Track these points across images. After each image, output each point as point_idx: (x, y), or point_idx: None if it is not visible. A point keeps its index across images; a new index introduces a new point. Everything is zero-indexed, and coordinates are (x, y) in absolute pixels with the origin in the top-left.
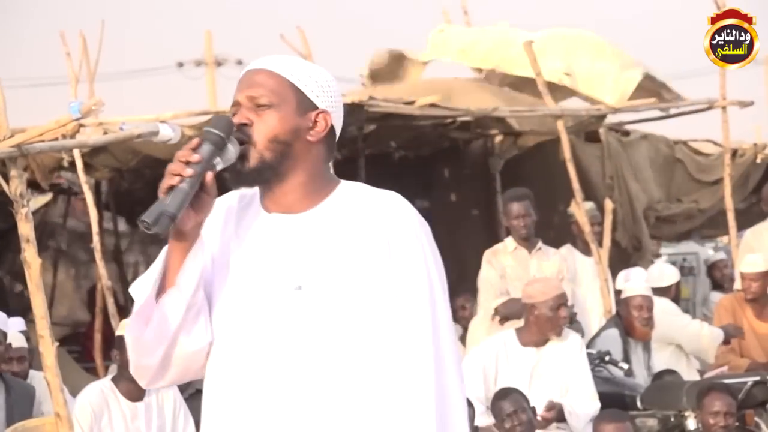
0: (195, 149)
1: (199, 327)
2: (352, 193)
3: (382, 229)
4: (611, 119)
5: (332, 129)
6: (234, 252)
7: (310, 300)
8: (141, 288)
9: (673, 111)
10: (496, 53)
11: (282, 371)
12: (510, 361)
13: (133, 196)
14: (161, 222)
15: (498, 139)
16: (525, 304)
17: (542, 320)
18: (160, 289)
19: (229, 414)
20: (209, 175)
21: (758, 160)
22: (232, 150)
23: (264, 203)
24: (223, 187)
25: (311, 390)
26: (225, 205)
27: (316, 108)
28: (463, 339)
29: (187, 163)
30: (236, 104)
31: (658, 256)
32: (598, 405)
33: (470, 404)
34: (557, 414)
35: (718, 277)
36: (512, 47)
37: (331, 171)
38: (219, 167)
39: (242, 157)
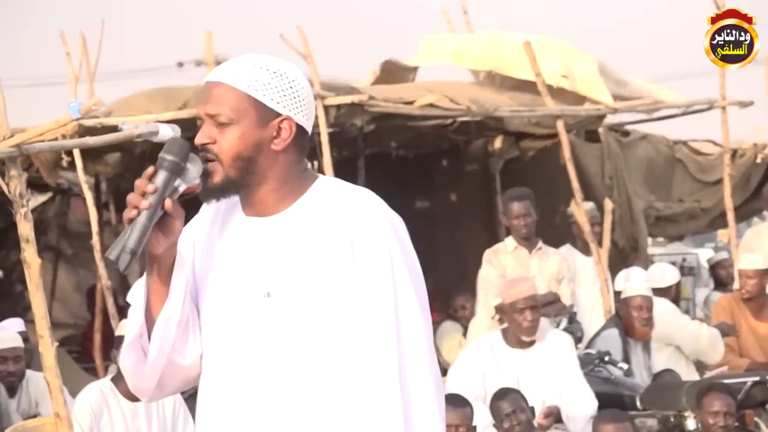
0: (151, 178)
1: (189, 344)
2: (324, 192)
3: (347, 230)
4: (611, 119)
5: (301, 129)
6: (217, 256)
7: (279, 307)
8: (131, 314)
9: (674, 111)
10: (492, 53)
11: (252, 379)
12: (498, 363)
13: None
14: (122, 259)
15: (498, 139)
16: (501, 304)
17: (510, 322)
18: (147, 314)
19: (210, 419)
20: (167, 202)
21: (758, 160)
22: (193, 170)
23: (242, 206)
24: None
25: (279, 397)
26: (212, 207)
27: (279, 115)
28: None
29: (144, 194)
30: (200, 118)
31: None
32: (595, 404)
33: (469, 404)
34: (554, 419)
35: (724, 276)
36: (508, 46)
37: (307, 167)
38: (182, 188)
39: (207, 173)
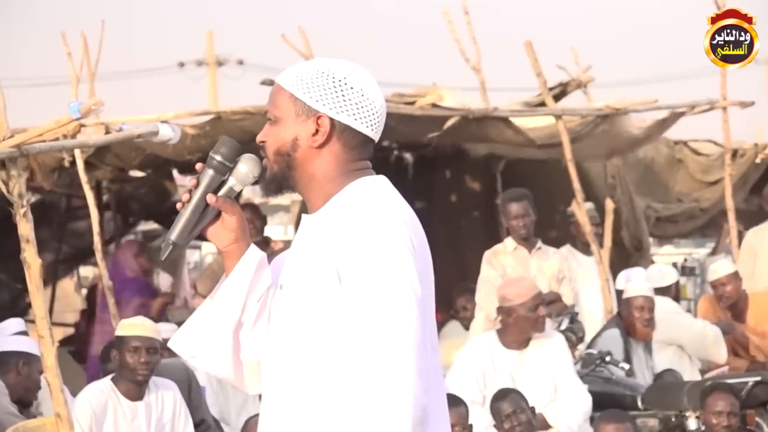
0: (199, 175)
1: (256, 341)
2: (343, 200)
3: (335, 255)
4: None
5: (344, 128)
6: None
7: (285, 300)
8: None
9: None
10: None
11: (267, 373)
12: (494, 364)
13: (134, 197)
14: (163, 248)
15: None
16: (501, 308)
17: (521, 321)
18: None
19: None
20: (209, 197)
21: (758, 160)
22: (246, 170)
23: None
24: None
25: (278, 395)
26: None
27: (317, 113)
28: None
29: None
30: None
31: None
32: (589, 402)
33: (464, 403)
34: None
35: None
36: None
37: (365, 167)
38: (237, 188)
39: (264, 169)
